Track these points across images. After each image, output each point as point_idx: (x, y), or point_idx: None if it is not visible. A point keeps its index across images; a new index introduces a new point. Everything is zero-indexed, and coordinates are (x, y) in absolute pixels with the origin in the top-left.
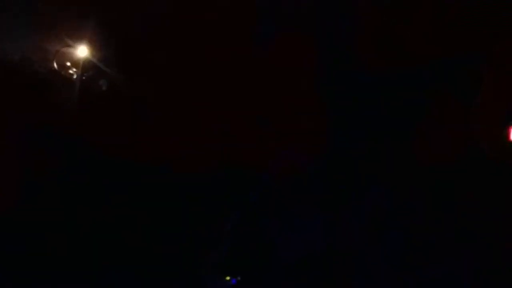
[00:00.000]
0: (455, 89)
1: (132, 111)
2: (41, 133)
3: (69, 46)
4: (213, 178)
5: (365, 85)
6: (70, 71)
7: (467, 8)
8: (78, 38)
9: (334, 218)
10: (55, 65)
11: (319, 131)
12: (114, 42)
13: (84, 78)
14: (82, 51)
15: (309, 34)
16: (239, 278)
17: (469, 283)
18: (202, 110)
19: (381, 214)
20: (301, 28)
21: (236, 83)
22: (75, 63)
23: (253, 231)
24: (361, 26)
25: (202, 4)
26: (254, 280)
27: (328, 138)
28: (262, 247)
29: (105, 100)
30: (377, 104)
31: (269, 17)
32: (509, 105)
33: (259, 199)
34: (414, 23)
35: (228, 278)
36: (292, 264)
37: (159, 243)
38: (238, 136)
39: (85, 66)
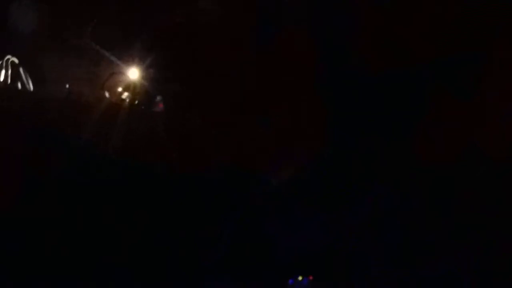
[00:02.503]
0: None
1: (182, 129)
2: (97, 158)
3: (118, 71)
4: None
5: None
6: (122, 97)
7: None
8: (127, 61)
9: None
10: (105, 92)
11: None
12: (164, 62)
13: (137, 102)
14: (132, 74)
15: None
16: (311, 278)
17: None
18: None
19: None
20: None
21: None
22: (126, 88)
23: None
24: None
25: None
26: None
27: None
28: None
29: (158, 123)
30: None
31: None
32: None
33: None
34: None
35: (300, 278)
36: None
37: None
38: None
39: (136, 90)
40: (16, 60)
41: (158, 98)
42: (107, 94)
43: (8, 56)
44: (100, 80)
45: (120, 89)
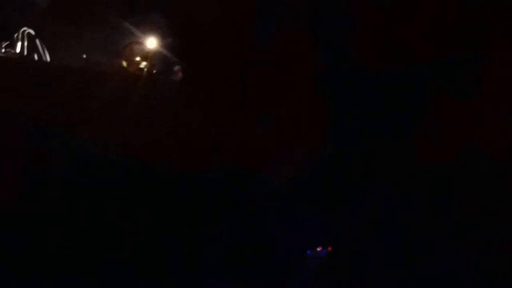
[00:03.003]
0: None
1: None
2: (113, 130)
3: (136, 40)
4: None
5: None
6: (140, 66)
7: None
8: (145, 31)
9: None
10: (123, 62)
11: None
12: (182, 33)
13: (154, 72)
14: (150, 44)
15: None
16: (330, 249)
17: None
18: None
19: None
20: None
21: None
22: (144, 57)
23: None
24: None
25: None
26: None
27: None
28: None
29: (177, 94)
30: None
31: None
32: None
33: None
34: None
35: (319, 249)
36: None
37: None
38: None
39: (154, 60)
40: (32, 32)
41: (177, 67)
42: (125, 64)
43: (24, 28)
44: (118, 50)
45: (138, 59)
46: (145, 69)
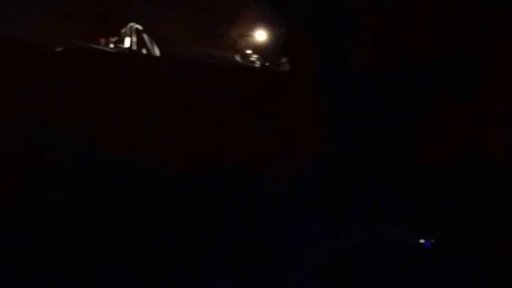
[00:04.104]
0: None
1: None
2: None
3: (248, 33)
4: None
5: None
6: (252, 59)
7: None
8: (256, 23)
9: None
10: (237, 56)
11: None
12: (292, 25)
13: (267, 64)
14: (260, 36)
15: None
16: (433, 241)
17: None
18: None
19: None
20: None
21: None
22: (256, 50)
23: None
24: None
25: None
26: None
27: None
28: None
29: (288, 85)
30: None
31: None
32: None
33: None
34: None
35: (422, 241)
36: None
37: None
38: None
39: (266, 52)
40: (140, 27)
41: (284, 59)
42: (238, 57)
43: (132, 23)
44: (231, 42)
45: (250, 51)
46: (258, 62)
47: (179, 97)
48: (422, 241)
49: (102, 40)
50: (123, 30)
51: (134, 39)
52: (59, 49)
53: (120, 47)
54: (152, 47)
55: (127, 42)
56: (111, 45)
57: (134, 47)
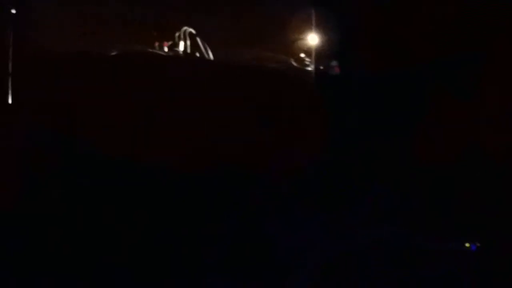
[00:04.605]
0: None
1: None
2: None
3: (300, 36)
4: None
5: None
6: (305, 62)
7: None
8: (308, 26)
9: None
10: (291, 60)
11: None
12: (343, 29)
13: (320, 68)
14: (312, 40)
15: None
16: (478, 244)
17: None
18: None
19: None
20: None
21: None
22: (308, 53)
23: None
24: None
25: None
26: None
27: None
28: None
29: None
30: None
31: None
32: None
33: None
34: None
35: (467, 245)
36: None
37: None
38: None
39: (318, 55)
40: (193, 31)
41: (334, 62)
42: (292, 61)
43: (185, 27)
44: (285, 46)
45: (303, 55)
46: (310, 65)
47: (232, 99)
48: (467, 245)
49: (157, 44)
50: (177, 34)
51: (188, 43)
52: (118, 54)
53: (175, 50)
54: (206, 51)
55: (181, 46)
56: (166, 49)
57: (188, 51)
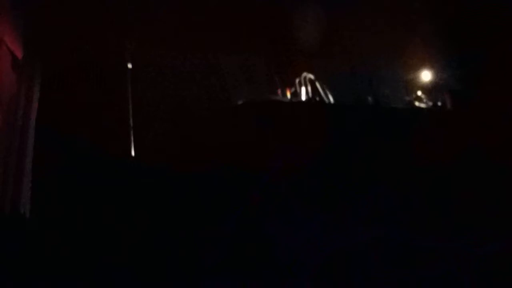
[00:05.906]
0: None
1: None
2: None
3: (414, 74)
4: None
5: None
6: (422, 99)
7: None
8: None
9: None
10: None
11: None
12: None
13: (439, 105)
14: (426, 76)
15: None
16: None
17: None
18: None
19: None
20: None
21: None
22: (425, 91)
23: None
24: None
25: None
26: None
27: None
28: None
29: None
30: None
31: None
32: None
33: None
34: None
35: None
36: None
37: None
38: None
39: (433, 92)
40: (312, 76)
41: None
42: (407, 98)
43: (305, 74)
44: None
45: (420, 93)
46: (428, 103)
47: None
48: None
49: (279, 92)
50: (297, 80)
51: (309, 88)
52: (242, 103)
53: (296, 96)
54: (327, 95)
55: (303, 92)
56: (288, 96)
57: (310, 96)
